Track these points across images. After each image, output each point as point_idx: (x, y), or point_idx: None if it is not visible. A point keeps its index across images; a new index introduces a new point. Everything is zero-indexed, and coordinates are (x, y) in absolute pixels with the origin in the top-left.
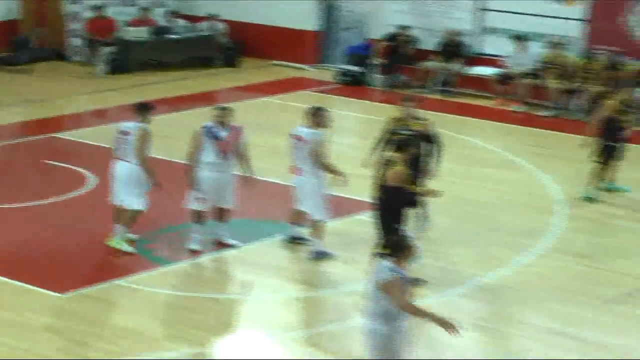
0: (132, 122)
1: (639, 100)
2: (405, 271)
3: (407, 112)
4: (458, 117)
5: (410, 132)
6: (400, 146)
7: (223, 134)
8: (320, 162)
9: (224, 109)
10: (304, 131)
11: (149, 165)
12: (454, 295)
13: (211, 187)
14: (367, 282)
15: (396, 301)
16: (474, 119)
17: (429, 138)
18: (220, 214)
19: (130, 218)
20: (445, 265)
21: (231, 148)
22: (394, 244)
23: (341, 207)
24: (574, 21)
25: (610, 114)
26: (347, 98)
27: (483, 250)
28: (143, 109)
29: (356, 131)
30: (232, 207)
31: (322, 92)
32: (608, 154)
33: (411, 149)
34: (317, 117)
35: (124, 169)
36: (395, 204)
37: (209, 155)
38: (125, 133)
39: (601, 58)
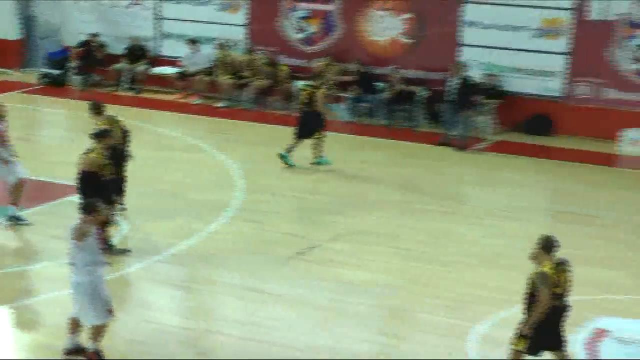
0: None
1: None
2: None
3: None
4: (147, 110)
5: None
6: (96, 135)
7: None
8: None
9: None
10: None
11: None
12: (154, 262)
13: None
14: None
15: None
16: (160, 111)
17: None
18: None
19: None
20: (144, 236)
21: None
22: (86, 205)
23: (51, 191)
24: (237, 26)
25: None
26: (50, 97)
27: (176, 222)
28: None
29: (60, 125)
30: None
31: (28, 92)
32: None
33: (107, 139)
34: None
35: None
36: (90, 187)
37: None
38: None
39: (261, 56)
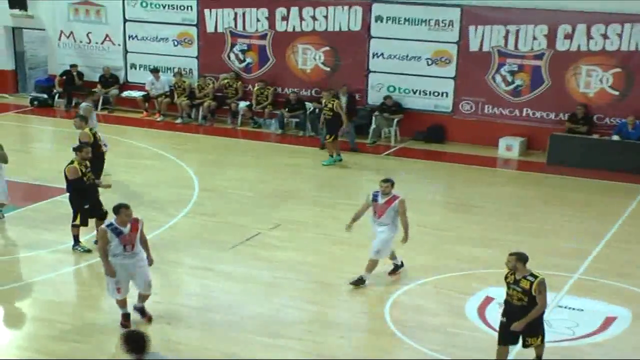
0: None
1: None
2: (120, 226)
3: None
4: (118, 126)
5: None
6: (75, 148)
7: None
8: None
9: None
10: None
11: None
12: None
13: None
14: None
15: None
16: (130, 127)
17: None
18: None
19: None
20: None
21: None
22: (115, 208)
23: (43, 192)
24: (191, 57)
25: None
26: (39, 116)
27: (146, 215)
28: None
29: (48, 139)
30: None
31: (21, 113)
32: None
33: (84, 150)
34: None
35: None
36: (73, 192)
37: None
38: None
39: (210, 81)
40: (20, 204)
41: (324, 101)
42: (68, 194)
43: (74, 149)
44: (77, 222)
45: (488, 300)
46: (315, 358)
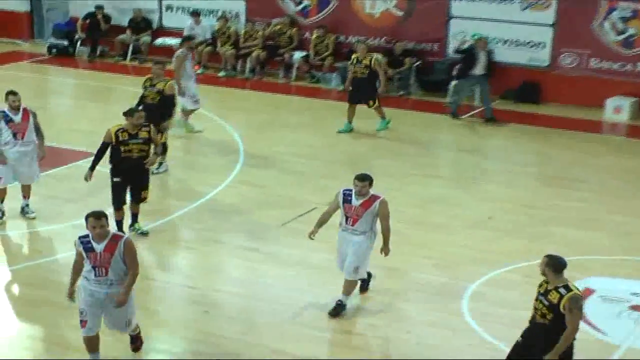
0: None
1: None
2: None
3: (156, 73)
4: None
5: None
6: (126, 112)
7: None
8: None
9: (15, 93)
10: None
11: None
12: (160, 224)
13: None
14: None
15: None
16: None
17: (167, 97)
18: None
19: None
20: (151, 199)
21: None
22: None
23: (62, 156)
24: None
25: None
26: (58, 67)
27: (182, 186)
28: None
29: (68, 93)
30: None
31: (37, 62)
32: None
33: (135, 115)
34: None
35: None
36: (110, 157)
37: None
38: None
39: (259, 27)
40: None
41: (356, 56)
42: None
43: (125, 113)
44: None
45: (588, 292)
46: (380, 358)
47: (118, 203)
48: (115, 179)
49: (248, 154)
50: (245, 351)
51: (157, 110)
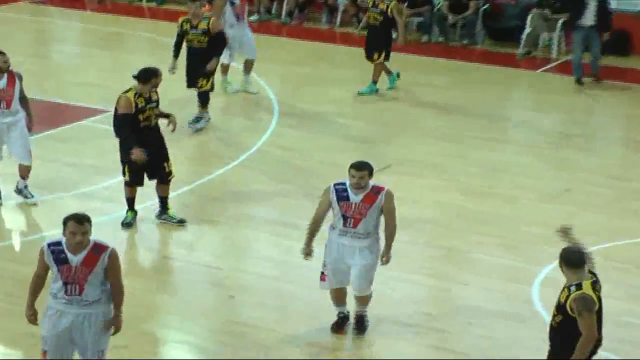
0: None
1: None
2: None
3: (194, 12)
4: (170, 23)
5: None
6: (137, 75)
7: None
8: None
9: (2, 53)
10: None
11: None
12: (180, 193)
13: None
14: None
15: None
16: None
17: (216, 35)
18: None
19: None
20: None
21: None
22: None
23: (65, 114)
24: None
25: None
26: (62, 9)
27: (205, 149)
28: None
29: (74, 40)
30: None
31: (38, 3)
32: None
33: (153, 79)
34: None
35: None
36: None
37: None
38: None
39: None
40: (34, 129)
41: None
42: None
43: (135, 77)
44: (126, 177)
45: None
46: (439, 359)
47: (137, 181)
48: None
49: (283, 113)
50: (276, 343)
51: (207, 53)
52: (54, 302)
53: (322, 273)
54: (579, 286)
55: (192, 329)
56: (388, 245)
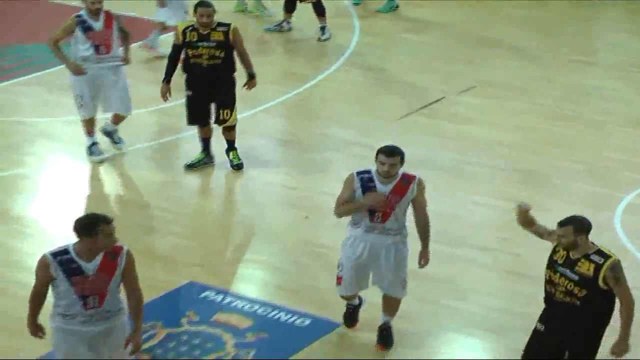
0: None
1: None
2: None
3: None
4: None
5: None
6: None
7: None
8: None
9: None
10: None
11: None
12: (258, 111)
13: None
14: None
15: None
16: None
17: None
18: None
19: None
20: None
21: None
22: None
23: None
24: None
25: None
26: None
27: (282, 68)
28: None
29: None
30: None
31: None
32: None
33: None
34: None
35: None
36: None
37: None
38: None
39: None
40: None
41: None
42: None
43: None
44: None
45: None
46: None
47: (193, 121)
48: (187, 92)
49: (363, 30)
50: None
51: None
52: (64, 324)
53: (338, 277)
54: (600, 253)
55: (266, 249)
56: (425, 245)
